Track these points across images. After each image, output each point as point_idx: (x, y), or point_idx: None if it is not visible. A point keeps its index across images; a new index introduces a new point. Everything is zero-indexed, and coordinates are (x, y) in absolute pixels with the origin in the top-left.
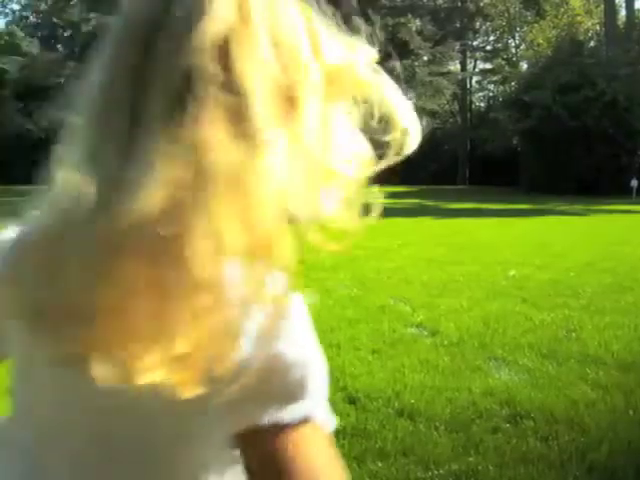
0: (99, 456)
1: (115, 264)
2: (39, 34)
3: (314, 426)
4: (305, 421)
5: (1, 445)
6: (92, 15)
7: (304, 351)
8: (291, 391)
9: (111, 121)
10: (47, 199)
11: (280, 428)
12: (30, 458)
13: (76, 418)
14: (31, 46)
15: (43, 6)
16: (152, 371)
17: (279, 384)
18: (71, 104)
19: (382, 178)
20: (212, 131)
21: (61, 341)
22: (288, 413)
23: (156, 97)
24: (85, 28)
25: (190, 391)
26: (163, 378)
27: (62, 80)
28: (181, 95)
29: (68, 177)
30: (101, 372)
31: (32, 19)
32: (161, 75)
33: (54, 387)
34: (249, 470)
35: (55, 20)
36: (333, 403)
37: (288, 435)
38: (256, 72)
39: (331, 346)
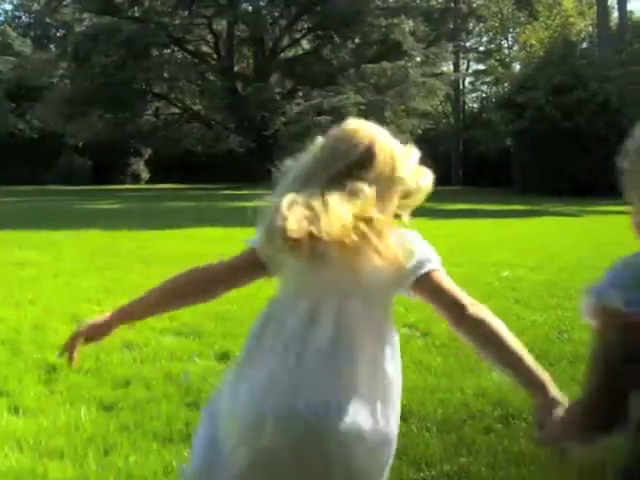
0: (345, 308)
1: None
2: (32, 34)
3: (443, 271)
4: (440, 268)
5: (290, 310)
6: (85, 15)
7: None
8: (436, 257)
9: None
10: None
11: (436, 271)
12: (307, 316)
13: (334, 294)
14: (23, 46)
15: (36, 6)
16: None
17: (432, 256)
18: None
19: None
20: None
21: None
22: (438, 264)
23: (324, 174)
24: (78, 28)
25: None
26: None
27: (55, 80)
28: (341, 176)
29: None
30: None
31: (25, 19)
32: (328, 168)
33: (324, 281)
34: (427, 297)
35: (48, 20)
36: None
37: (439, 274)
38: (382, 168)
39: None
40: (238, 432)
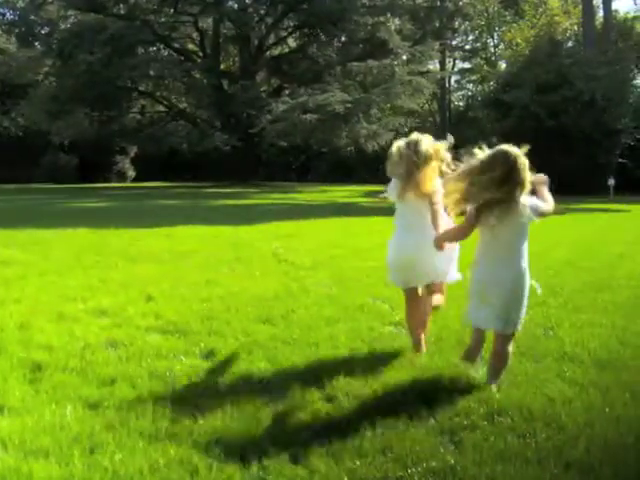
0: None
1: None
2: (16, 31)
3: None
4: (438, 202)
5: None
6: (70, 12)
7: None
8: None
9: None
10: None
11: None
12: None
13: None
14: (8, 43)
15: (20, 3)
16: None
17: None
18: None
19: (363, 178)
20: None
21: None
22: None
23: None
24: (63, 25)
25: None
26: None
27: (40, 78)
28: None
29: None
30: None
31: (9, 16)
32: None
33: None
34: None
35: (33, 17)
36: (310, 402)
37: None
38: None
39: (309, 345)
40: (391, 258)
